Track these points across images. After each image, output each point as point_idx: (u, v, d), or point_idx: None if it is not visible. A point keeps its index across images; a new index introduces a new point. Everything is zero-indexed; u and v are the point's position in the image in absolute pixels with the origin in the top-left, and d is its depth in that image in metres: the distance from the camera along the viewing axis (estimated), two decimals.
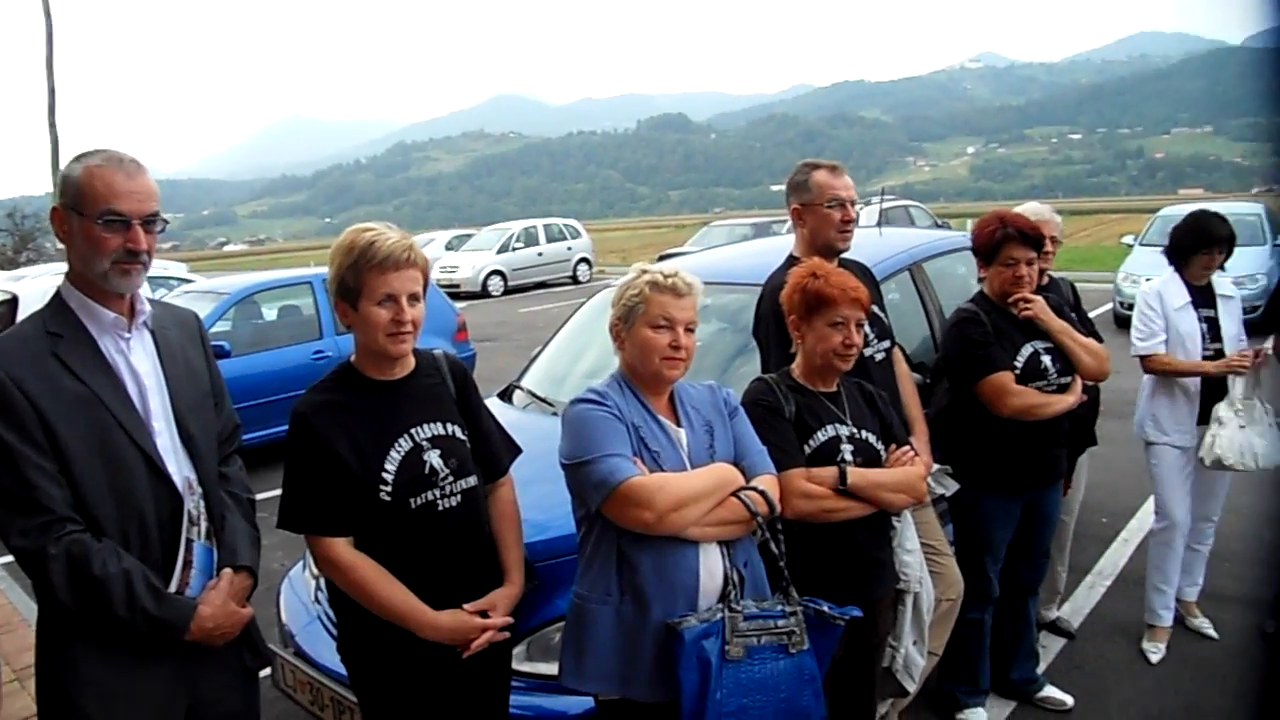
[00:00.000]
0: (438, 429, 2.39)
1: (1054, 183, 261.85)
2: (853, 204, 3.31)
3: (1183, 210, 16.60)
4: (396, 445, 2.30)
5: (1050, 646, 4.32)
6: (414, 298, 2.29)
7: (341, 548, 2.29)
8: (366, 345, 2.33)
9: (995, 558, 3.58)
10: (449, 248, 27.51)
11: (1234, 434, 3.97)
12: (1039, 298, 3.45)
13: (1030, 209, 4.14)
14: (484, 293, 23.73)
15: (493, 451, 2.55)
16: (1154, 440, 4.27)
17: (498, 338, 15.61)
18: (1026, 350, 3.42)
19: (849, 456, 2.66)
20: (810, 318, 2.70)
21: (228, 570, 2.33)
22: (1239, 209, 15.34)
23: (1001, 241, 3.39)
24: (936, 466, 3.41)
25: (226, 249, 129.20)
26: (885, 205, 17.53)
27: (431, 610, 2.31)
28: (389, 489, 2.27)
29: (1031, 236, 3.39)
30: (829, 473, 2.62)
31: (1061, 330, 3.45)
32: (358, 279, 2.24)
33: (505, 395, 4.58)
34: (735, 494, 2.35)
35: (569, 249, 26.33)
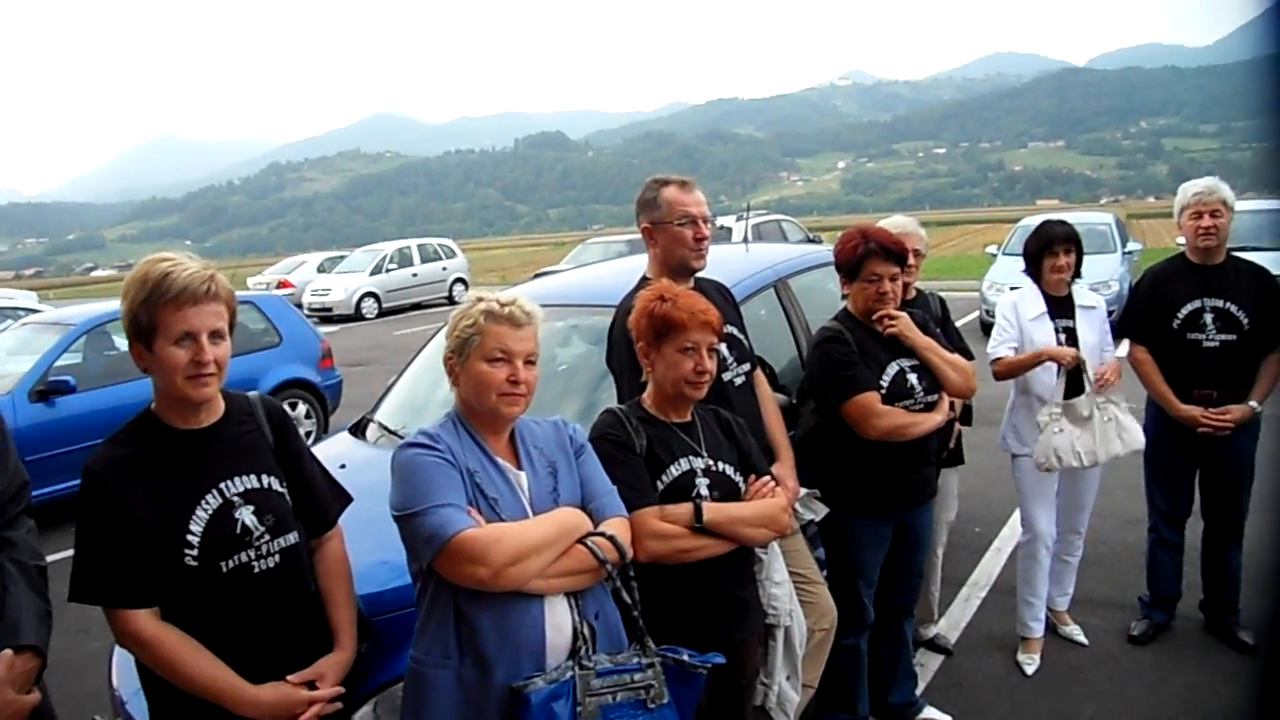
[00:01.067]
0: (251, 482, 2.15)
1: (921, 195, 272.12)
2: (706, 220, 3.16)
3: (1042, 219, 17.29)
4: (203, 503, 2.06)
5: (928, 664, 4.28)
6: (216, 335, 2.06)
7: (143, 620, 2.02)
8: (165, 390, 2.08)
9: (868, 581, 3.47)
10: (321, 270, 26.88)
11: (1049, 437, 4.01)
12: (903, 314, 3.36)
13: (894, 222, 4.09)
14: (358, 315, 23.26)
15: (317, 503, 2.32)
16: (1016, 452, 4.27)
17: (370, 362, 15.18)
18: (892, 369, 3.32)
19: (705, 491, 2.50)
20: (659, 344, 2.53)
21: (7, 652, 2.06)
22: (1091, 218, 16.08)
23: (864, 257, 3.28)
24: (804, 491, 3.29)
25: (95, 274, 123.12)
26: (758, 220, 17.76)
27: (250, 685, 2.08)
28: (195, 552, 2.03)
29: (894, 251, 3.30)
30: (684, 510, 2.45)
31: (927, 347, 3.36)
32: (151, 316, 2.01)
33: (358, 429, 4.31)
34: (582, 540, 2.16)
35: (444, 269, 25.99)
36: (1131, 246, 15.08)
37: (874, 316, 3.33)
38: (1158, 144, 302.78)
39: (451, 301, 25.19)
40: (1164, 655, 4.29)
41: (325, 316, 22.55)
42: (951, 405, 3.48)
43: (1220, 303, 4.07)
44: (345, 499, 2.42)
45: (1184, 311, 4.11)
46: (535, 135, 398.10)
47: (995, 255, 15.66)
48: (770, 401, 3.40)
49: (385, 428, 4.13)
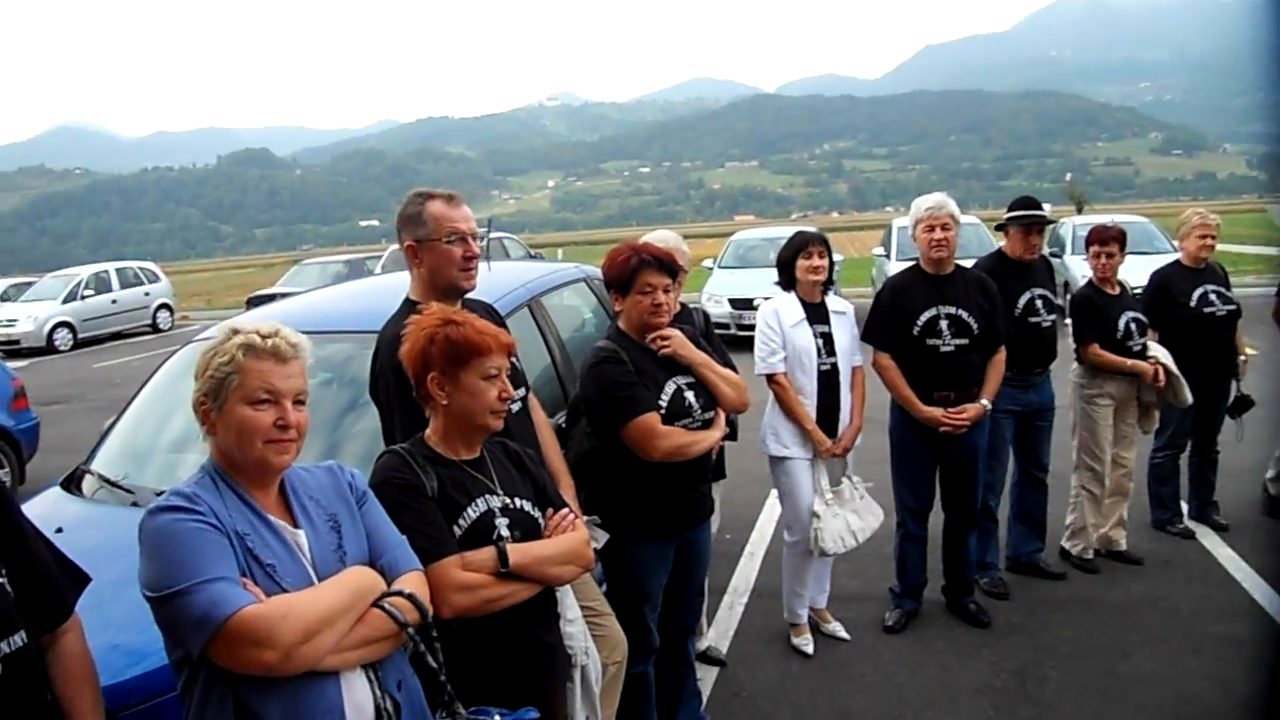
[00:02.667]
0: None
1: (628, 212, 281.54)
2: (475, 237, 2.96)
3: (751, 234, 18.30)
4: None
5: (705, 678, 4.28)
6: None
7: None
8: None
9: (653, 606, 3.42)
10: (5, 298, 23.75)
11: (830, 523, 4.25)
12: (676, 332, 3.34)
13: (659, 237, 4.09)
14: (50, 348, 20.76)
15: (48, 589, 1.90)
16: (778, 454, 4.39)
17: (69, 399, 13.58)
18: (670, 387, 3.27)
19: (505, 532, 2.30)
20: (457, 372, 2.28)
21: None
22: (788, 231, 17.06)
23: (637, 269, 3.21)
24: (584, 518, 3.19)
25: None
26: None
27: None
28: None
29: (666, 263, 3.26)
30: (487, 555, 2.24)
31: (703, 363, 3.35)
32: None
33: (72, 483, 3.73)
34: (377, 603, 1.91)
35: (147, 294, 23.83)
36: (835, 258, 16.18)
37: (649, 338, 3.28)
38: (839, 164, 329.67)
39: (156, 329, 23.36)
40: (917, 641, 4.58)
41: (11, 350, 19.95)
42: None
43: (953, 310, 4.40)
44: (82, 579, 2.01)
45: (922, 319, 4.41)
46: (240, 152, 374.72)
47: (711, 269, 16.34)
48: (546, 426, 3.29)
49: (105, 479, 3.60)
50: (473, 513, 2.29)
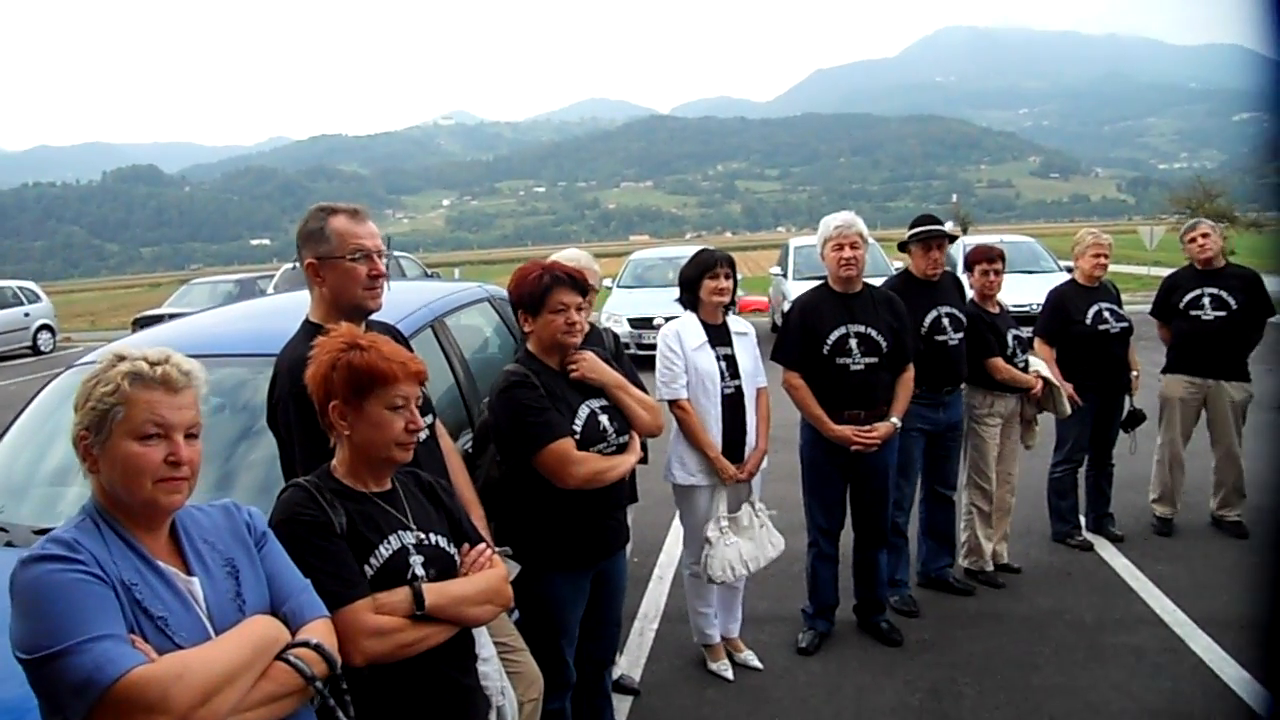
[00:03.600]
0: None
1: (523, 232, 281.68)
2: (380, 254, 2.79)
3: (649, 254, 18.37)
4: None
5: (619, 708, 4.14)
6: None
7: None
8: None
9: (570, 639, 3.28)
10: None
11: (721, 551, 4.16)
12: (588, 353, 3.23)
13: (569, 256, 4.00)
14: None
15: None
16: (683, 482, 4.29)
17: None
18: (584, 411, 3.15)
19: (420, 570, 2.14)
20: (361, 401, 2.11)
21: None
22: (687, 251, 17.20)
23: (549, 287, 3.08)
24: (495, 549, 3.05)
25: None
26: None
27: None
28: None
29: (579, 281, 3.16)
30: (401, 597, 2.07)
31: (617, 385, 3.25)
32: None
33: None
34: (282, 655, 1.75)
35: (27, 315, 22.66)
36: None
37: (567, 366, 3.17)
38: (732, 185, 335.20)
39: (36, 351, 22.25)
40: (832, 662, 4.54)
41: None
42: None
43: (862, 328, 4.38)
44: None
45: (832, 338, 4.38)
46: (125, 169, 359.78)
47: (610, 288, 16.29)
48: (454, 454, 3.14)
49: None
50: (385, 550, 2.12)
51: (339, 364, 2.12)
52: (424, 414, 2.82)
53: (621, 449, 3.21)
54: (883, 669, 4.43)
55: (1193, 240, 5.88)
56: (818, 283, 4.70)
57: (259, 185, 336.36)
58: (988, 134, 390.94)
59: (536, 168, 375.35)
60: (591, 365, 3.20)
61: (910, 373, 4.57)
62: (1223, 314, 5.72)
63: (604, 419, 3.17)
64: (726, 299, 4.25)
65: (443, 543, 2.24)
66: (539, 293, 3.10)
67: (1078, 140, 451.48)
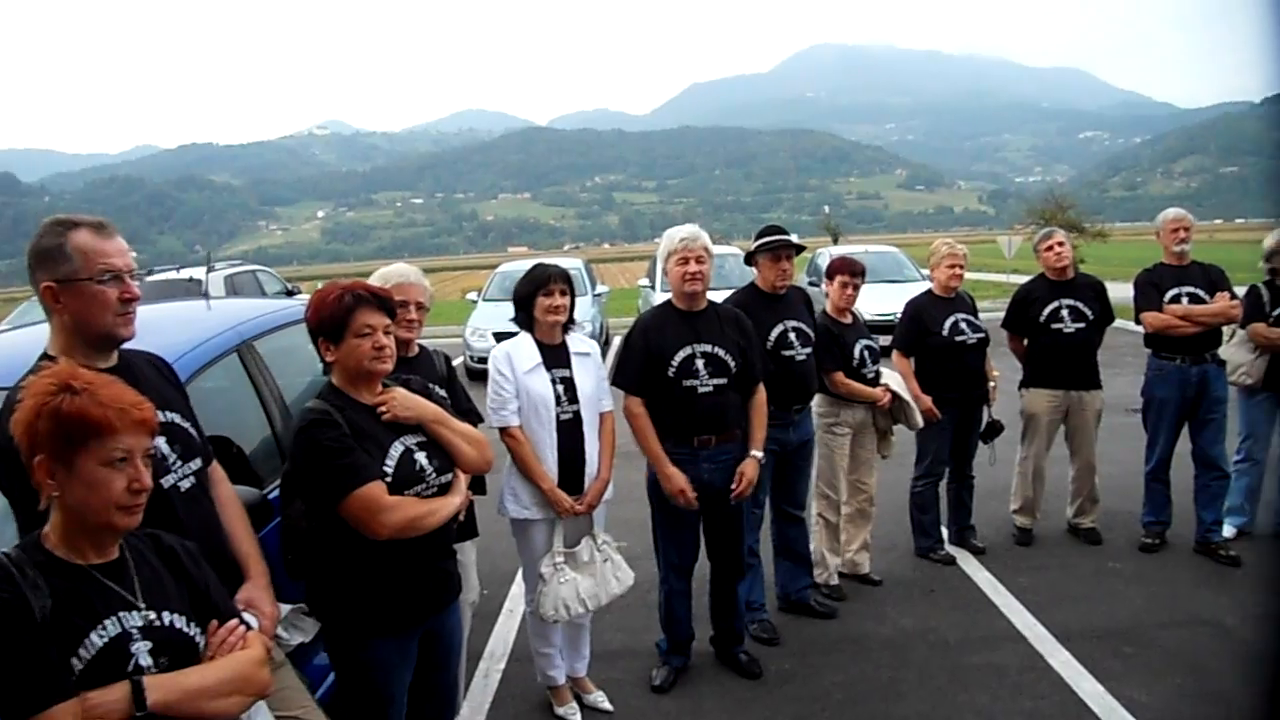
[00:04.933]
0: None
1: (400, 244, 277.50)
2: (132, 274, 2.36)
3: (516, 266, 18.11)
4: None
5: None
6: None
7: None
8: None
9: (398, 709, 2.86)
10: None
11: (555, 589, 3.87)
12: (397, 390, 2.83)
13: (397, 271, 3.66)
14: None
15: None
16: (517, 516, 3.97)
17: None
18: (396, 450, 2.74)
19: (146, 659, 1.77)
20: (72, 455, 1.73)
21: None
22: (563, 263, 16.98)
23: (352, 308, 2.68)
24: (288, 608, 2.66)
25: None
26: (231, 272, 16.26)
27: None
28: None
29: (385, 300, 2.78)
30: (117, 695, 1.69)
31: (435, 419, 2.86)
32: None
33: None
34: None
35: None
36: (600, 289, 16.11)
37: (376, 409, 2.77)
38: (610, 197, 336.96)
39: None
40: (688, 700, 4.27)
41: None
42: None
43: (709, 348, 4.10)
44: None
45: (677, 359, 4.08)
46: None
47: (475, 301, 15.89)
48: (233, 503, 2.69)
49: None
50: (99, 638, 1.74)
51: (44, 411, 1.73)
52: (189, 458, 2.44)
53: (444, 490, 2.81)
54: (741, 705, 4.18)
55: (1049, 249, 5.84)
56: None
57: (125, 196, 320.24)
58: (857, 148, 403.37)
59: (413, 179, 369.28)
60: (403, 403, 2.79)
61: (762, 395, 4.34)
62: (1081, 325, 5.71)
63: (421, 457, 2.77)
64: (562, 318, 3.94)
65: (180, 623, 1.87)
66: (340, 315, 2.68)
67: (941, 154, 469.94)
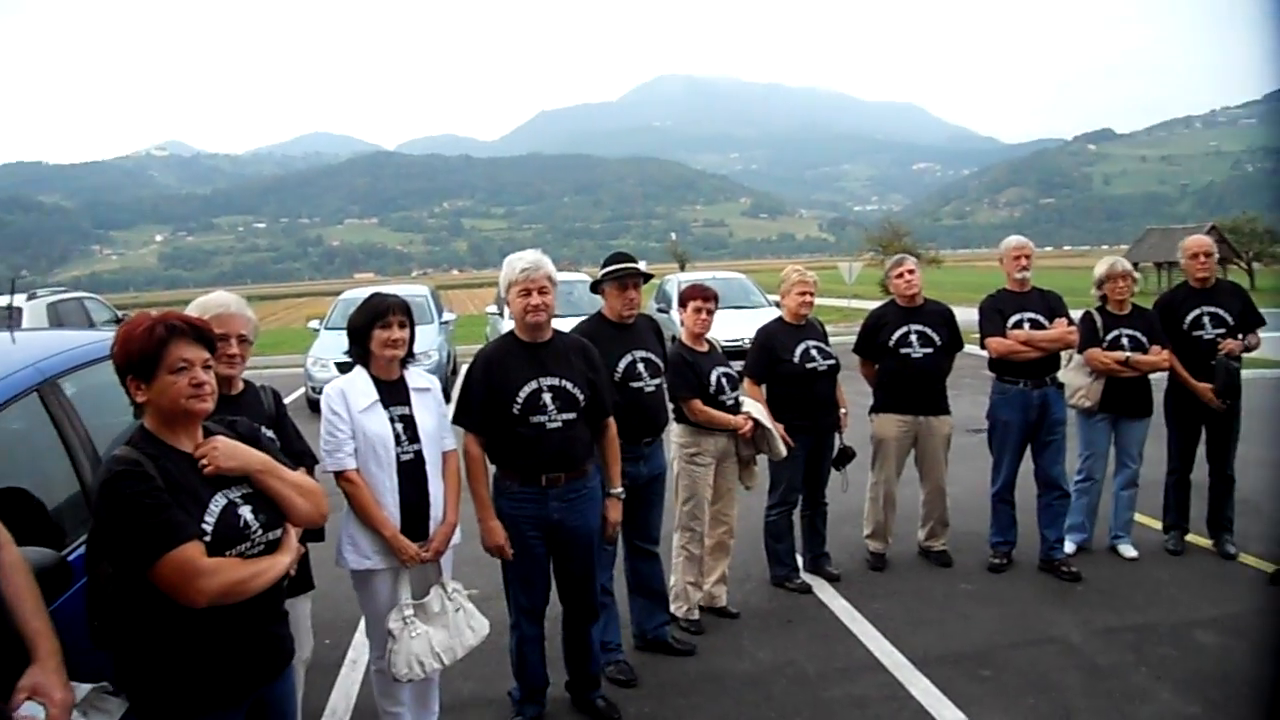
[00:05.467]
0: None
1: (243, 270, 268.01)
2: None
3: (360, 293, 17.54)
4: None
5: None
6: None
7: None
8: None
9: None
10: None
11: (407, 644, 3.59)
12: (218, 439, 2.50)
13: (218, 300, 3.33)
14: None
15: None
16: (357, 567, 3.67)
17: None
18: (217, 504, 2.41)
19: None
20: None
21: None
22: (410, 290, 16.60)
23: (166, 341, 2.36)
24: (87, 688, 2.31)
25: None
26: (55, 299, 15.05)
27: None
28: None
29: (203, 331, 2.46)
30: None
31: (264, 468, 2.53)
32: None
33: None
34: None
35: None
36: (447, 316, 15.73)
37: (197, 455, 2.45)
38: (458, 223, 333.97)
39: None
40: None
41: None
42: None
43: (556, 381, 3.90)
44: None
45: (523, 394, 3.85)
46: None
47: (318, 330, 15.23)
48: (18, 571, 2.30)
49: None
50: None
51: None
52: None
53: (271, 547, 2.50)
54: None
55: (899, 276, 5.91)
56: None
57: None
58: (703, 176, 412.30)
59: (257, 203, 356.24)
60: (226, 453, 2.47)
61: (613, 429, 4.19)
62: (930, 351, 5.80)
63: (246, 512, 2.45)
64: (401, 351, 3.67)
65: None
66: (152, 349, 2.34)
67: (783, 183, 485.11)
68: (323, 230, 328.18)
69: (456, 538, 3.85)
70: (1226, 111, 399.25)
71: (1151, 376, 5.95)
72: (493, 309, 17.04)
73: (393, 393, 3.67)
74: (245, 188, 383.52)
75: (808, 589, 5.65)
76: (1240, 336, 5.85)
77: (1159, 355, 5.85)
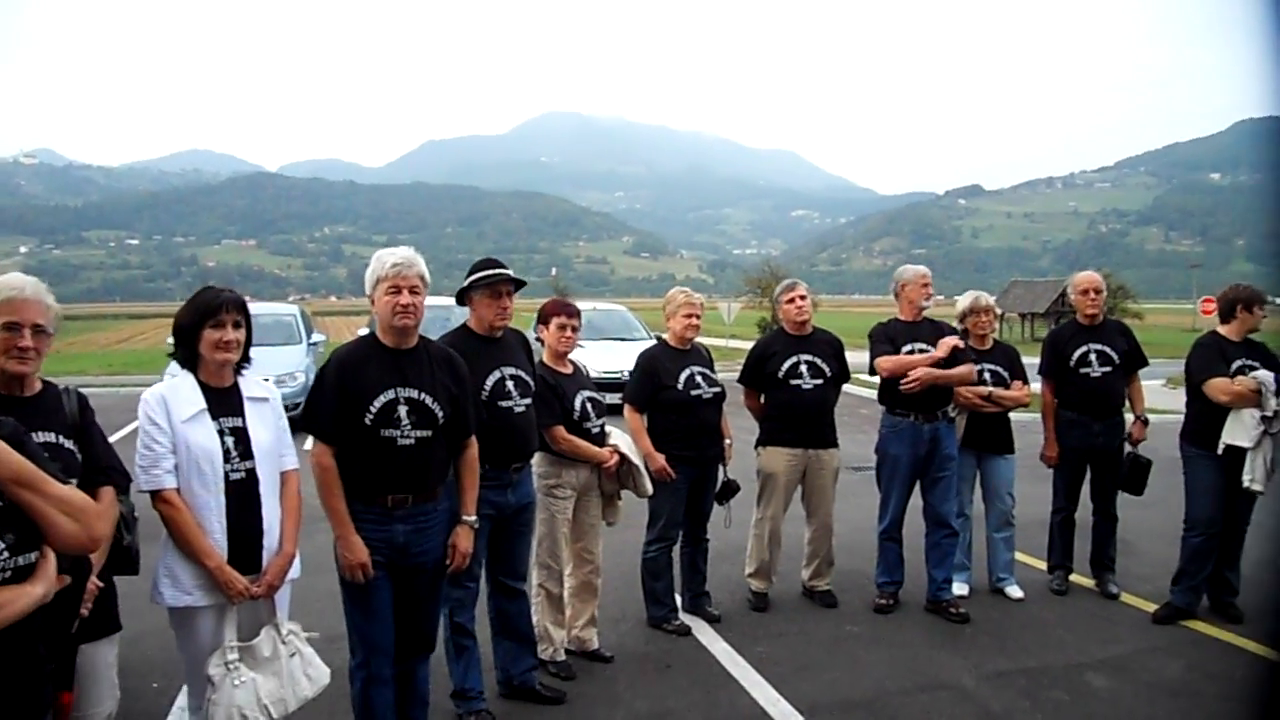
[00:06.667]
0: None
1: (112, 286, 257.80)
2: None
3: None
4: None
5: None
6: None
7: None
8: None
9: None
10: None
11: (229, 694, 3.08)
12: None
13: (7, 283, 2.80)
14: None
15: None
16: (175, 604, 3.15)
17: None
18: None
19: None
20: None
21: None
22: (278, 310, 15.92)
23: None
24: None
25: None
26: None
27: None
28: None
29: None
30: None
31: (18, 478, 2.00)
32: None
33: None
34: None
35: None
36: (316, 337, 15.05)
37: None
38: (339, 249, 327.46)
39: None
40: None
41: None
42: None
43: (415, 393, 3.47)
44: None
45: (378, 404, 3.41)
46: None
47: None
48: None
49: None
50: None
51: None
52: None
53: (23, 574, 2.03)
54: None
55: (790, 301, 5.65)
56: None
57: None
58: (587, 213, 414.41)
59: (130, 218, 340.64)
60: None
61: (474, 450, 3.76)
62: (819, 382, 5.56)
63: None
64: (234, 355, 3.19)
65: None
66: None
67: (666, 224, 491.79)
68: (198, 250, 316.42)
69: (295, 570, 3.36)
70: (1084, 175, 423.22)
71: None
72: (364, 331, 16.35)
73: (224, 402, 3.18)
74: (119, 202, 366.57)
75: (687, 630, 5.28)
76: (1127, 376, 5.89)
77: (1021, 391, 5.86)
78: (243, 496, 3.15)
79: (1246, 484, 5.14)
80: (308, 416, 3.51)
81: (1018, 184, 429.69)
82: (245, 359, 3.27)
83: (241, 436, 3.18)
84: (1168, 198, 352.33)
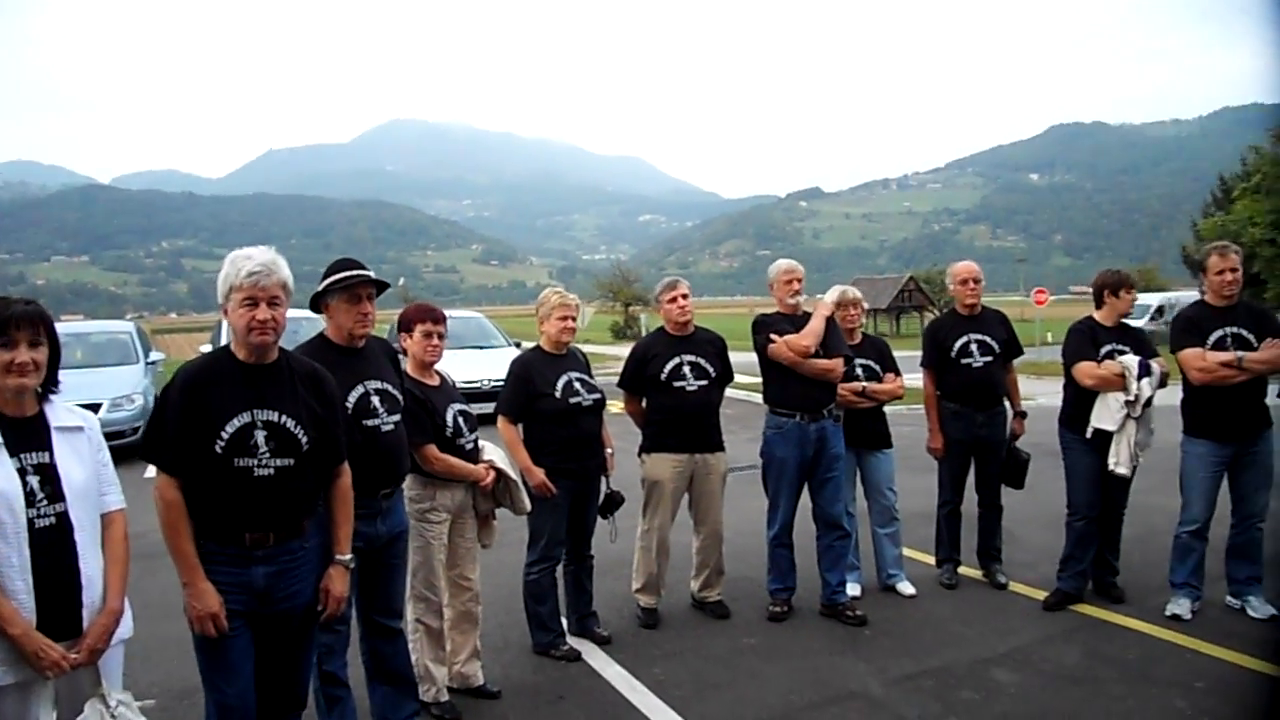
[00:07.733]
0: None
1: None
2: None
3: (72, 327, 15.57)
4: None
5: None
6: None
7: None
8: None
9: None
10: None
11: None
12: None
13: None
14: None
15: None
16: None
17: None
18: None
19: None
20: None
21: None
22: (111, 327, 14.99)
23: None
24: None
25: None
26: None
27: None
28: None
29: None
30: None
31: None
32: None
33: None
34: None
35: None
36: (154, 356, 14.05)
37: None
38: (179, 263, 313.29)
39: None
40: None
41: None
42: None
43: (274, 415, 2.99)
44: None
45: (229, 430, 2.92)
46: None
47: None
48: None
49: None
50: None
51: None
52: None
53: None
54: None
55: (672, 300, 5.34)
56: None
57: None
58: (435, 222, 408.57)
59: None
60: None
61: (347, 479, 3.30)
62: (704, 383, 5.30)
63: None
64: (31, 379, 2.68)
65: None
66: None
67: (515, 231, 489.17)
68: (25, 268, 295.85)
69: (125, 628, 2.86)
70: (917, 175, 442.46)
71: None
72: (207, 347, 15.37)
73: (25, 435, 2.67)
74: None
75: (577, 655, 4.91)
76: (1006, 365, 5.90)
77: (894, 384, 5.82)
78: (53, 546, 2.65)
79: (1111, 467, 5.20)
80: (148, 444, 3.01)
81: (855, 185, 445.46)
82: (53, 382, 2.76)
83: (49, 475, 2.67)
84: (993, 197, 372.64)
